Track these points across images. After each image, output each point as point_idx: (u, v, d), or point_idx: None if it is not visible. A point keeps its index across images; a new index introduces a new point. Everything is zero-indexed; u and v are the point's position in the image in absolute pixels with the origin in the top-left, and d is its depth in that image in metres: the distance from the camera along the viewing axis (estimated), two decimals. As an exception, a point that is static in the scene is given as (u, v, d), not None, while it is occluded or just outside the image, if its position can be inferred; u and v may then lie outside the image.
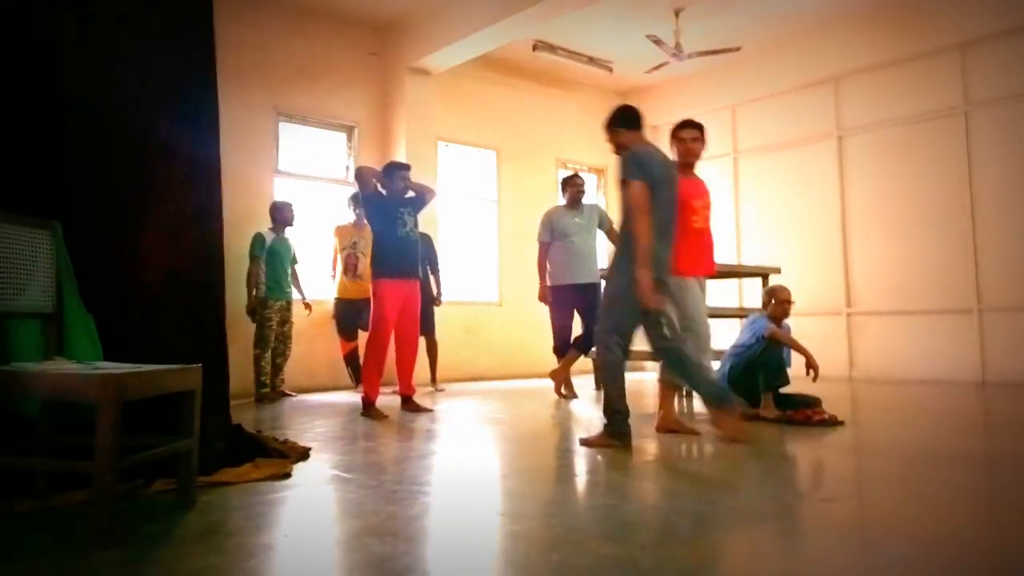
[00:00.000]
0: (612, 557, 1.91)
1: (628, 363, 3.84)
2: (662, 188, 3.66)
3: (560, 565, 1.85)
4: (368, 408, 5.06)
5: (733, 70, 9.41)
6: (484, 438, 4.14)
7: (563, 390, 6.16)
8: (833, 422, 4.35)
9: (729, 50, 8.10)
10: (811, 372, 4.60)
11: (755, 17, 8.17)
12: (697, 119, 10.44)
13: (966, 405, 5.57)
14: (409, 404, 5.31)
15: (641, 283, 3.49)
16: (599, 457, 3.50)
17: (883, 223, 8.22)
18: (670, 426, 4.11)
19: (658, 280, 3.59)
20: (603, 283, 6.30)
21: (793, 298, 4.93)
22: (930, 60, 7.87)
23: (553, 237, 6.11)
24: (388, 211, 5.17)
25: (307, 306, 6.85)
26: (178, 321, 3.00)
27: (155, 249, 2.94)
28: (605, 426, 3.70)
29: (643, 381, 8.20)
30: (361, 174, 5.25)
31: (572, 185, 6.29)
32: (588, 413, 5.25)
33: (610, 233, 6.39)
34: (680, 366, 3.76)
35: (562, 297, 6.05)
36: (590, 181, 10.55)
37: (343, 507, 2.53)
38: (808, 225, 8.84)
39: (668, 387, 4.21)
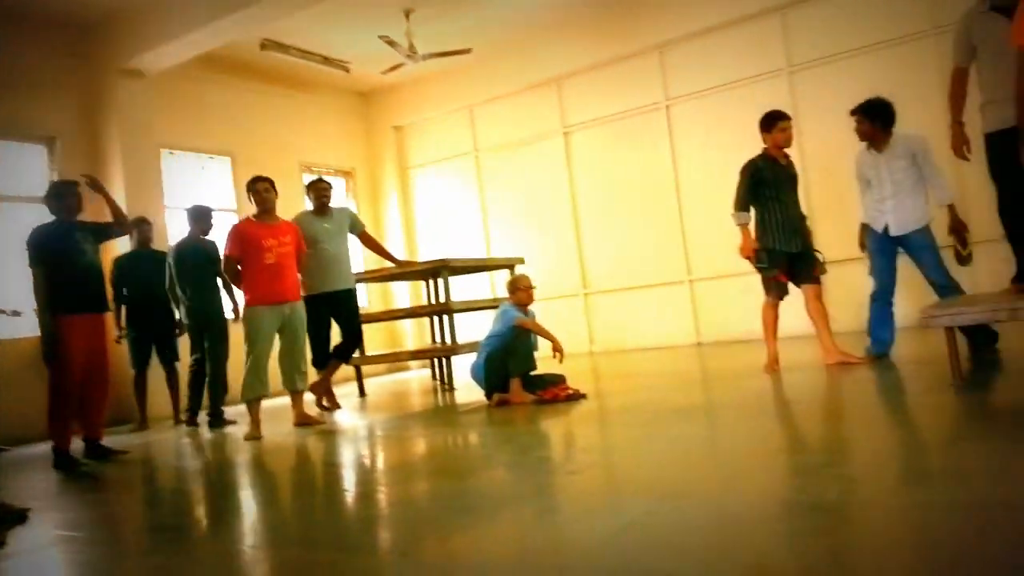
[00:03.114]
0: (371, 572, 1.93)
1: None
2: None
3: (322, 585, 1.83)
4: (61, 457, 4.48)
5: (468, 72, 9.76)
6: (234, 469, 3.94)
7: (325, 402, 6.02)
8: (577, 396, 4.74)
9: (460, 52, 8.40)
10: (557, 354, 4.96)
11: (482, 20, 8.53)
12: (437, 119, 10.71)
13: (686, 365, 6.34)
14: (97, 450, 4.73)
15: None
16: (356, 467, 3.50)
17: (608, 209, 9.04)
18: (303, 419, 5.05)
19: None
20: (357, 288, 6.27)
21: (534, 284, 5.25)
22: (637, 60, 8.76)
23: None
24: (61, 240, 4.59)
25: None
26: None
27: None
28: None
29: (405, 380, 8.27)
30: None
31: (316, 189, 6.10)
32: (354, 423, 5.20)
33: (363, 236, 6.31)
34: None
35: (317, 307, 5.86)
36: (337, 184, 10.37)
37: (71, 571, 2.28)
38: (546, 216, 9.47)
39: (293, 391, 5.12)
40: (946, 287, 4.58)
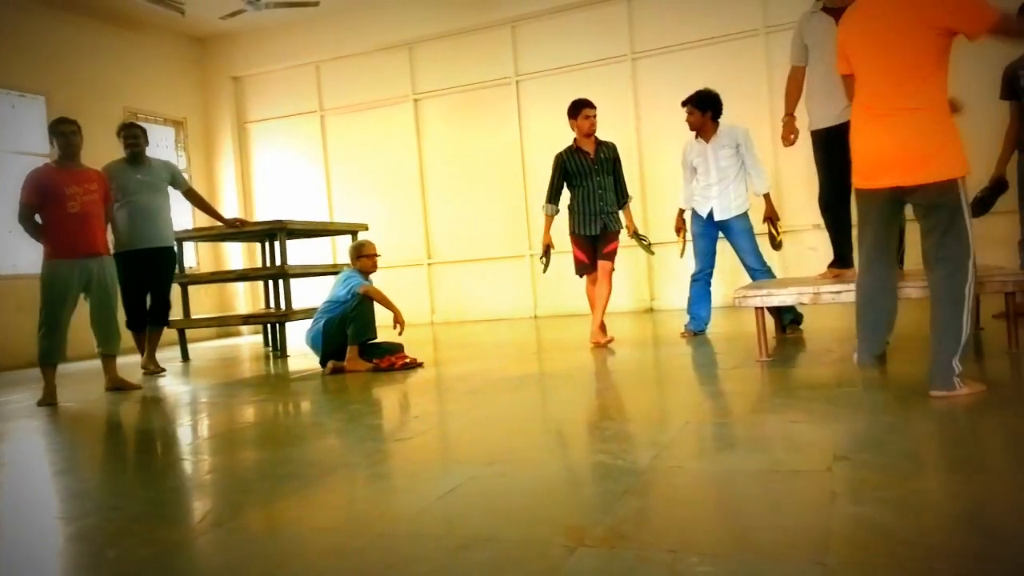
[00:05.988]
0: (177, 542, 1.82)
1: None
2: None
3: (119, 559, 1.71)
4: None
5: (316, 26, 9.33)
6: (35, 433, 3.60)
7: (151, 366, 5.60)
8: (414, 365, 4.74)
9: (307, 3, 8.00)
10: (398, 326, 4.91)
11: (332, -27, 8.20)
12: (280, 73, 10.16)
13: (522, 336, 6.50)
14: None
15: None
16: (172, 435, 3.30)
17: (455, 181, 9.03)
18: (116, 384, 4.71)
19: None
20: (186, 247, 5.86)
21: (379, 251, 5.16)
22: (489, 32, 8.74)
23: (115, 197, 5.36)
24: None
25: None
26: None
27: None
28: None
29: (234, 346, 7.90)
30: None
31: (126, 135, 5.54)
32: (175, 389, 4.89)
33: (188, 194, 5.87)
34: None
35: (129, 264, 5.37)
36: (166, 134, 9.65)
37: None
38: (393, 183, 9.31)
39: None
40: (759, 270, 4.97)
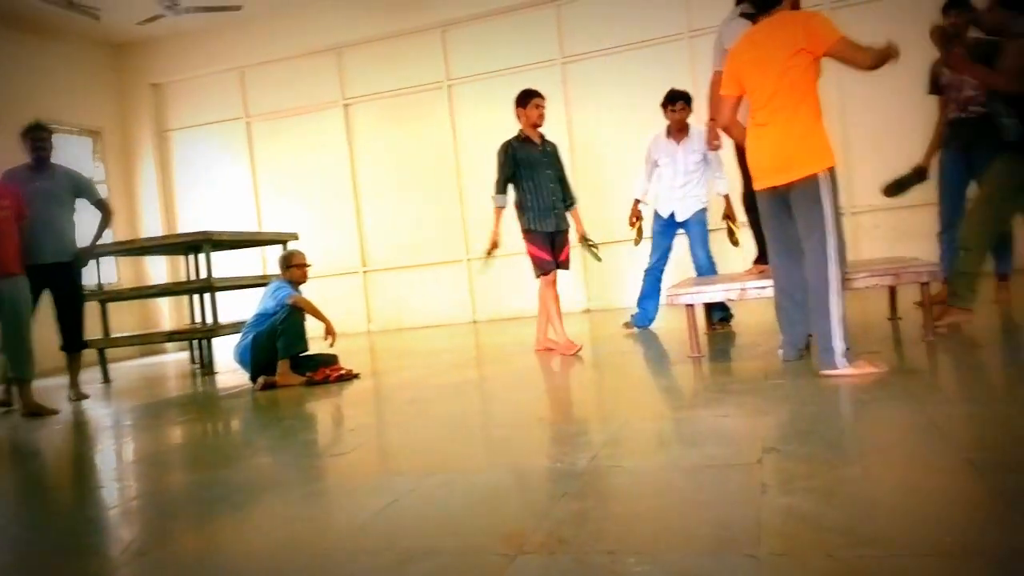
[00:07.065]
0: (96, 575, 1.74)
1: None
2: None
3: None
4: None
5: (239, 30, 9.12)
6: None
7: (70, 394, 5.29)
8: (350, 376, 4.65)
9: (229, 8, 7.81)
10: (329, 338, 4.81)
11: (252, -23, 8.03)
12: (203, 79, 9.91)
13: (462, 342, 6.48)
14: None
15: None
16: (92, 461, 3.17)
17: (389, 186, 8.96)
18: (32, 409, 4.53)
19: None
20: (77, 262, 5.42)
21: (309, 261, 5.04)
22: (420, 37, 8.71)
23: None
24: None
25: None
26: None
27: None
28: None
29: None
30: None
31: (31, 137, 5.13)
32: (95, 413, 4.69)
33: (100, 204, 5.51)
34: None
35: (32, 279, 4.84)
36: (83, 145, 9.27)
37: None
38: (324, 191, 9.17)
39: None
40: (706, 263, 5.17)
